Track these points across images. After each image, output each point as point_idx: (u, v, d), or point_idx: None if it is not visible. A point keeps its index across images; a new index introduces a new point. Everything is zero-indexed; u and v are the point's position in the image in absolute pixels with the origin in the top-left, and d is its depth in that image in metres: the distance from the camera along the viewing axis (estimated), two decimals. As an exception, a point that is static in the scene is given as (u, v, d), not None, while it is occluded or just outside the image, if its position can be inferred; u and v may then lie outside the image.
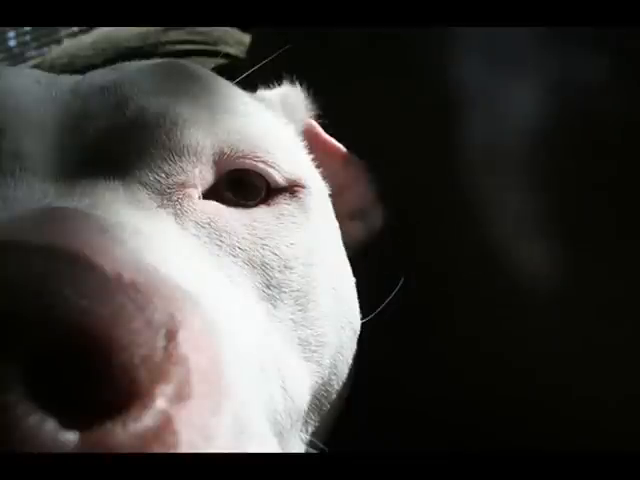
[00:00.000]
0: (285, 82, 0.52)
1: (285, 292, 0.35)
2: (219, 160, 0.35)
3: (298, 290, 0.35)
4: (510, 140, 0.43)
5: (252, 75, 0.43)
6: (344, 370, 0.40)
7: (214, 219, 0.34)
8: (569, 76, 0.41)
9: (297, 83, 0.51)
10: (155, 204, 0.33)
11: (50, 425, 0.18)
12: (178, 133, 0.34)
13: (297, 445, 0.35)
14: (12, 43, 2.15)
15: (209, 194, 0.35)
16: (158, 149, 0.34)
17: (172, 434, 0.20)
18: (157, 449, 0.19)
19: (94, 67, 0.42)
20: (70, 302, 0.19)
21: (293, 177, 0.38)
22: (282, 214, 0.36)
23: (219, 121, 0.36)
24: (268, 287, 0.34)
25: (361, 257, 0.45)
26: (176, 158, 0.34)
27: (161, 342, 0.21)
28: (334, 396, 0.39)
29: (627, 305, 0.37)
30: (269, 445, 0.27)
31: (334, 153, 0.49)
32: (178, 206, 0.33)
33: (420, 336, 0.46)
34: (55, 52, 0.96)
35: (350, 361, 0.40)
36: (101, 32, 0.88)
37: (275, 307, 0.34)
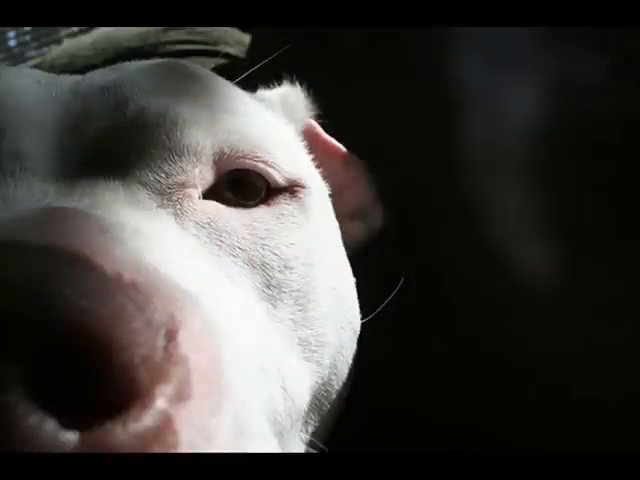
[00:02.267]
0: (285, 82, 0.52)
1: (285, 292, 0.35)
2: (219, 160, 0.35)
3: (298, 290, 0.35)
4: (510, 140, 0.43)
5: (252, 75, 0.43)
6: (344, 370, 0.40)
7: (214, 219, 0.34)
8: (569, 76, 0.41)
9: (297, 83, 0.51)
10: (155, 204, 0.33)
11: (50, 425, 0.18)
12: (178, 133, 0.34)
13: (297, 445, 0.35)
14: (12, 43, 2.15)
15: (209, 194, 0.35)
16: (158, 149, 0.34)
17: (172, 434, 0.20)
18: (157, 449, 0.19)
19: (94, 67, 0.42)
20: (70, 302, 0.19)
21: (293, 177, 0.38)
22: (282, 214, 0.36)
23: (219, 121, 0.36)
24: (268, 287, 0.34)
25: (361, 257, 0.45)
26: (176, 158, 0.34)
27: (161, 342, 0.21)
28: (334, 396, 0.39)
29: (627, 305, 0.37)
30: (269, 445, 0.27)
31: (334, 153, 0.49)
32: (178, 206, 0.33)
33: (420, 336, 0.46)
34: (55, 52, 0.96)
35: (350, 361, 0.40)
36: (101, 32, 0.88)
37: (275, 307, 0.34)
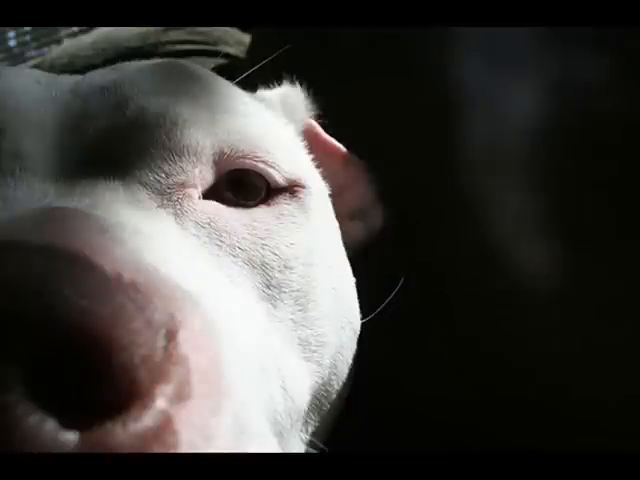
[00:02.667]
0: (285, 82, 0.52)
1: (285, 292, 0.35)
2: (219, 160, 0.35)
3: (298, 290, 0.35)
4: (510, 140, 0.43)
5: (252, 75, 0.43)
6: (344, 370, 0.40)
7: (214, 219, 0.34)
8: (569, 76, 0.41)
9: (297, 83, 0.51)
10: (155, 204, 0.33)
11: (50, 425, 0.18)
12: (178, 133, 0.34)
13: (297, 445, 0.35)
14: (12, 43, 2.15)
15: (209, 194, 0.35)
16: (158, 149, 0.34)
17: (172, 434, 0.20)
18: (157, 449, 0.19)
19: (94, 67, 0.42)
20: (70, 302, 0.19)
21: (293, 177, 0.38)
22: (282, 214, 0.36)
23: (219, 121, 0.36)
24: (268, 287, 0.34)
25: (361, 257, 0.45)
26: (176, 158, 0.34)
27: (161, 342, 0.21)
28: (334, 396, 0.39)
29: (627, 305, 0.37)
30: (269, 445, 0.27)
31: (334, 153, 0.49)
32: (178, 206, 0.33)
33: (420, 336, 0.46)
34: (55, 52, 0.96)
35: (350, 361, 0.40)
36: (101, 32, 0.88)
37: (275, 307, 0.34)
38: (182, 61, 0.42)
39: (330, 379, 0.38)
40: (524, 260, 0.42)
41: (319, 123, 0.50)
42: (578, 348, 0.39)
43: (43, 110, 0.34)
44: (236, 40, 0.83)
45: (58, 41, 1.83)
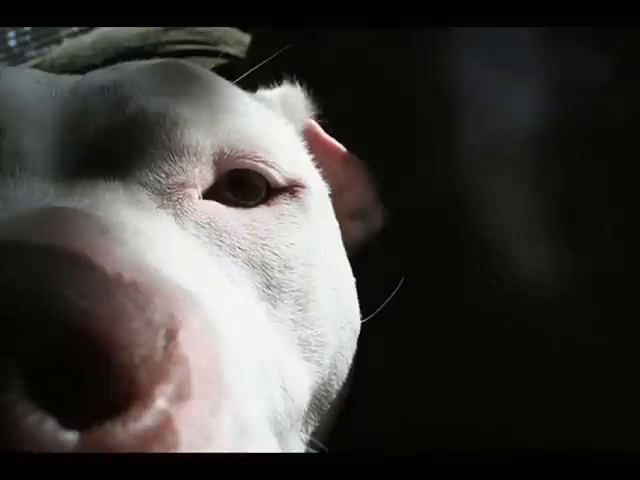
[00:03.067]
0: (285, 82, 0.52)
1: (285, 292, 0.35)
2: (219, 160, 0.35)
3: (298, 290, 0.35)
4: (510, 140, 0.43)
5: (252, 75, 0.43)
6: (344, 370, 0.40)
7: (214, 219, 0.34)
8: (570, 76, 0.41)
9: (297, 83, 0.51)
10: (155, 204, 0.33)
11: (50, 425, 0.18)
12: (178, 133, 0.34)
13: (297, 445, 0.35)
14: (12, 43, 2.16)
15: (209, 194, 0.35)
16: (158, 149, 0.34)
17: (172, 434, 0.20)
18: (157, 449, 0.19)
19: (94, 67, 0.42)
20: (70, 302, 0.19)
21: (293, 177, 0.38)
22: (282, 214, 0.36)
23: (219, 121, 0.36)
24: (268, 287, 0.34)
25: (361, 257, 0.45)
26: (176, 158, 0.34)
27: (161, 342, 0.21)
28: (334, 396, 0.39)
29: (627, 305, 0.37)
30: (269, 445, 0.27)
31: (334, 153, 0.49)
32: (178, 206, 0.33)
33: (420, 336, 0.46)
34: (55, 52, 0.96)
35: (350, 361, 0.40)
36: (101, 32, 0.88)
37: (275, 307, 0.34)
38: (182, 61, 0.42)
39: (330, 379, 0.38)
40: (524, 260, 0.42)
41: (319, 123, 0.50)
42: (577, 349, 0.39)
43: (43, 110, 0.34)
44: (236, 40, 0.83)
45: (58, 41, 1.83)
